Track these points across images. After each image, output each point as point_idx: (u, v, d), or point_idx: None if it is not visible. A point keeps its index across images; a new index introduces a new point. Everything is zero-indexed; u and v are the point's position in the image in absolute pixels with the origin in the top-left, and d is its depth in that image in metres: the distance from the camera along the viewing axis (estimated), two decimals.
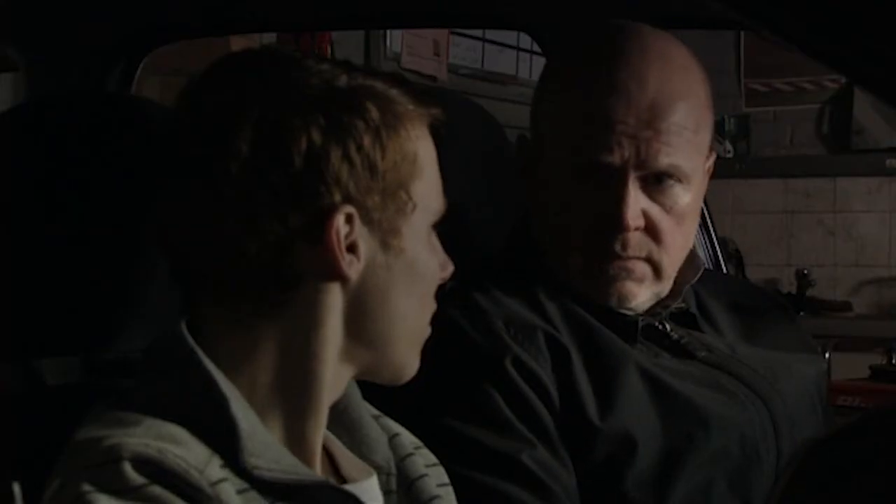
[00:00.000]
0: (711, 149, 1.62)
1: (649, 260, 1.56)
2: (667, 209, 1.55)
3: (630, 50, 1.55)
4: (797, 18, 0.86)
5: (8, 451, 1.35)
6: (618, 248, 1.54)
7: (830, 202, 5.67)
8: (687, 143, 1.54)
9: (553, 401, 1.48)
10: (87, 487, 1.07)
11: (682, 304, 1.64)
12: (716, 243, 2.35)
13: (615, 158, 1.52)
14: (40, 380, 1.49)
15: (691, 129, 1.55)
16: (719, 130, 5.76)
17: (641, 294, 1.58)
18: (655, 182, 1.54)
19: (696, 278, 1.64)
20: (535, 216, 1.62)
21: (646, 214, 1.55)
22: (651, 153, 1.52)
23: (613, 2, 1.91)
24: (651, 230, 1.55)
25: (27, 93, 2.20)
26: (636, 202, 1.53)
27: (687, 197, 1.57)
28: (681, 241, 1.59)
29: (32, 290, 1.43)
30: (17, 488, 1.30)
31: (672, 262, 1.59)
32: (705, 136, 1.59)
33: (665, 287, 1.60)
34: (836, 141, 5.69)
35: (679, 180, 1.55)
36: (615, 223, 1.53)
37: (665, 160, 1.53)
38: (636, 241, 1.55)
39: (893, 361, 4.80)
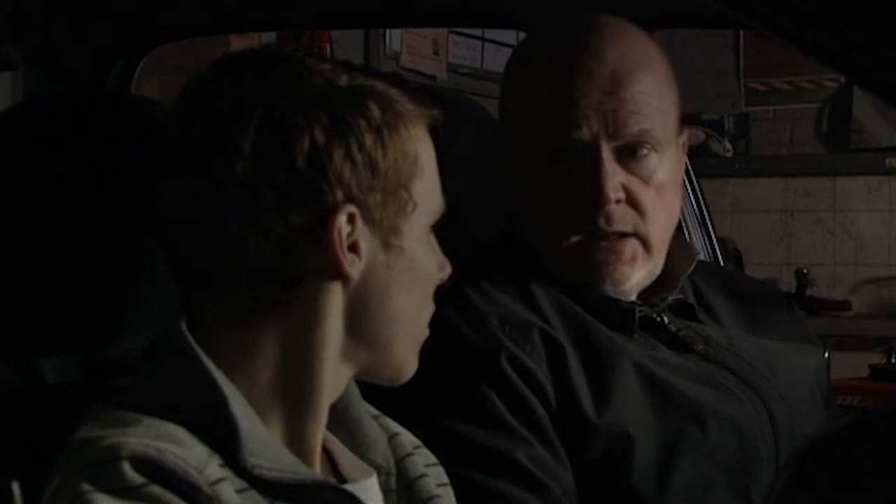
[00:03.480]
0: (682, 126, 1.63)
1: (636, 234, 1.56)
2: (645, 180, 1.56)
3: (586, 32, 1.58)
4: (797, 17, 0.86)
5: (7, 451, 1.36)
6: (602, 223, 1.54)
7: (830, 201, 5.67)
8: (654, 110, 1.56)
9: (549, 398, 1.48)
10: (86, 487, 1.07)
11: (680, 295, 1.65)
12: (715, 243, 2.35)
13: (585, 133, 1.53)
14: (40, 378, 1.49)
15: (656, 97, 1.56)
16: (719, 129, 5.77)
17: (634, 275, 1.58)
18: (630, 154, 1.55)
19: (692, 268, 1.64)
20: (519, 210, 1.62)
21: (625, 188, 1.55)
22: (620, 122, 1.54)
23: (613, 1, 1.91)
24: (633, 203, 1.56)
25: (27, 92, 2.20)
26: (614, 175, 1.54)
27: (663, 167, 1.57)
28: (665, 212, 1.59)
29: (32, 289, 1.43)
30: (16, 488, 1.30)
31: (660, 235, 1.59)
32: (671, 108, 1.60)
33: (657, 264, 1.60)
34: (835, 140, 5.69)
35: (653, 148, 1.56)
36: (596, 198, 1.53)
37: (636, 126, 1.54)
38: (620, 214, 1.55)
39: (893, 360, 4.80)
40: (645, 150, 1.56)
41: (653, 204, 1.56)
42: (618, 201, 1.54)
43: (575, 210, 1.55)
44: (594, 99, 1.53)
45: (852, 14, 0.83)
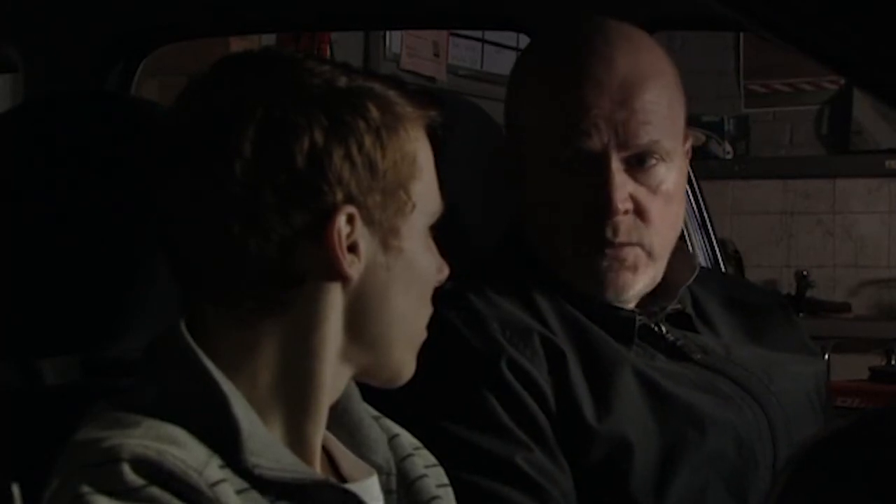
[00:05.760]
0: (687, 134, 1.62)
1: (640, 244, 1.56)
2: (653, 190, 1.55)
3: (594, 37, 1.56)
4: (797, 18, 0.86)
5: (8, 451, 1.36)
6: (609, 234, 1.54)
7: (830, 203, 5.67)
8: (664, 119, 1.55)
9: (549, 403, 1.48)
10: (85, 488, 1.08)
11: (678, 306, 1.64)
12: (715, 244, 2.35)
13: (595, 143, 1.52)
14: (40, 379, 1.49)
15: (665, 105, 1.55)
16: (719, 131, 5.77)
17: (637, 283, 1.57)
18: (638, 164, 1.54)
19: (691, 279, 1.64)
20: (524, 215, 1.62)
21: (633, 197, 1.54)
22: (630, 132, 1.52)
23: (613, 2, 1.91)
24: (640, 213, 1.55)
25: (27, 93, 2.20)
26: (623, 186, 1.53)
27: (671, 176, 1.57)
28: (670, 221, 1.58)
29: (32, 289, 1.43)
30: (16, 488, 1.30)
31: (663, 243, 1.58)
32: (679, 115, 1.59)
33: (659, 269, 1.60)
34: (835, 142, 5.70)
35: (662, 158, 1.55)
36: (604, 208, 1.53)
37: (646, 137, 1.53)
38: (626, 225, 1.54)
39: (892, 362, 4.80)
40: (654, 161, 1.55)
41: (659, 213, 1.56)
42: (625, 212, 1.54)
43: (580, 218, 1.54)
44: (605, 108, 1.52)
45: (852, 14, 0.83)
